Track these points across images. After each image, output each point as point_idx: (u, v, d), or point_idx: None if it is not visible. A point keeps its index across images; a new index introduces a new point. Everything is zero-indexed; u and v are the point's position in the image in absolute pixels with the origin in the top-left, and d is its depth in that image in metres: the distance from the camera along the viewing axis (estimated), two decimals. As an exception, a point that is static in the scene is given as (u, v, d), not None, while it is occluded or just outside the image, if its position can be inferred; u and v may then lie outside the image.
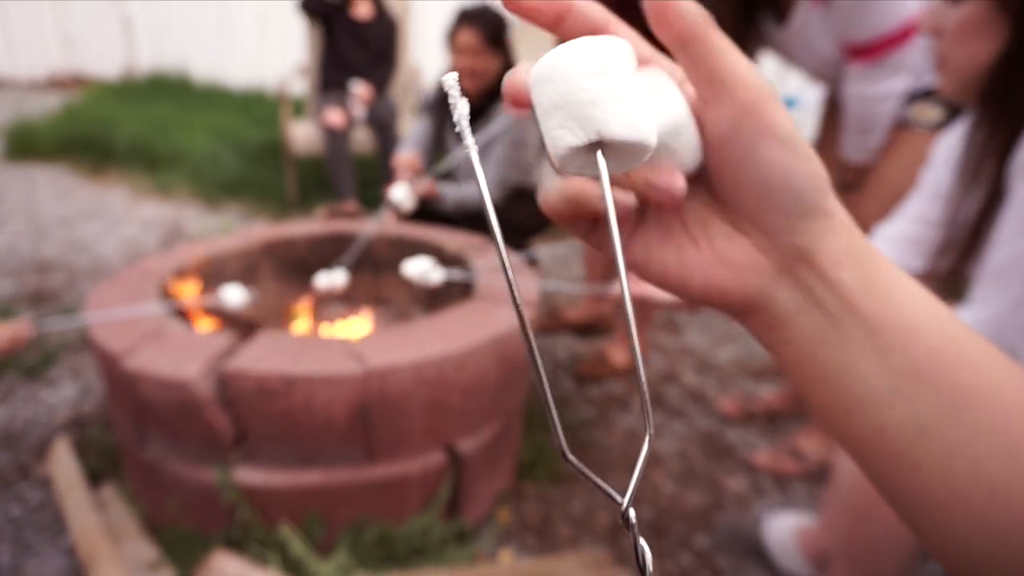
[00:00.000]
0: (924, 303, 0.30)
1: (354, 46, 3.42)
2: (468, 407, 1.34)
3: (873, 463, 0.30)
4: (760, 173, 0.28)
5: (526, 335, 0.25)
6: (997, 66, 0.89)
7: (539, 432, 1.75)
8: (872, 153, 1.45)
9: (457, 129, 0.25)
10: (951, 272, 0.96)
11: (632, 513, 0.25)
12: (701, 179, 0.31)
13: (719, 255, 0.30)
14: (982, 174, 0.92)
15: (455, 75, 0.25)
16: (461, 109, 0.25)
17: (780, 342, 0.31)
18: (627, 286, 0.26)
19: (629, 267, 0.31)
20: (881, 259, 0.30)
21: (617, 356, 2.06)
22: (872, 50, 1.33)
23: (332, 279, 1.71)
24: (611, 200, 0.26)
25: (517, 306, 0.25)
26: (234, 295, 1.50)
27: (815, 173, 0.28)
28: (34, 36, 6.59)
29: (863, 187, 1.48)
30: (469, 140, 0.25)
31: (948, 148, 1.08)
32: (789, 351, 0.31)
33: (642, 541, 0.24)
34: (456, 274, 1.55)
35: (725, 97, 0.28)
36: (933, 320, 0.30)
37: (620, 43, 0.26)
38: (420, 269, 1.51)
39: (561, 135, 0.26)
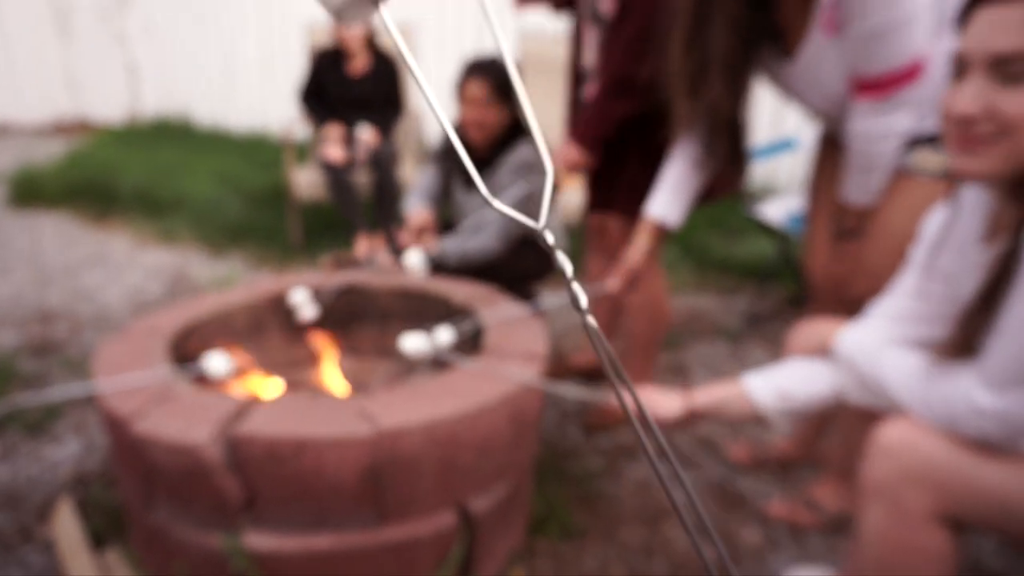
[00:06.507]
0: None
1: (348, 102, 3.44)
2: (480, 465, 1.33)
3: None
4: None
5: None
6: None
7: (550, 486, 1.72)
8: (874, 196, 1.44)
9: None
10: (961, 339, 0.97)
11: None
12: None
13: None
14: (996, 244, 0.94)
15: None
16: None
17: None
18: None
19: None
20: None
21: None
22: (882, 85, 1.32)
23: (303, 307, 1.81)
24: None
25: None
26: (218, 364, 1.51)
27: None
28: (40, 81, 6.67)
29: (865, 233, 1.48)
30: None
31: (936, 225, 1.11)
32: None
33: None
34: (448, 356, 1.55)
35: None
36: None
37: None
38: (415, 345, 1.58)
39: None
